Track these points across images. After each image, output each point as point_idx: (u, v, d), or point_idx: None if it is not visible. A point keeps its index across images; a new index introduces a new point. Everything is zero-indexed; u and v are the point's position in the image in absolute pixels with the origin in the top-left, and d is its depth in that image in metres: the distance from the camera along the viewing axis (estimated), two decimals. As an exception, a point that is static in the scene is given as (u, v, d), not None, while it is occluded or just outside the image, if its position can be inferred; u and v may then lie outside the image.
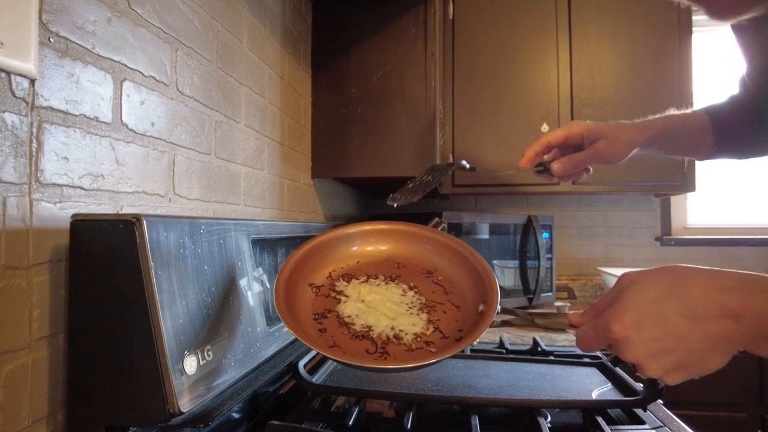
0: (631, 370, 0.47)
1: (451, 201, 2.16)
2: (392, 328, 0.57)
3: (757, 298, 0.40)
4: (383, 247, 0.69)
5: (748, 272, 0.43)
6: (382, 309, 0.59)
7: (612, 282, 1.78)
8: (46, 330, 0.47)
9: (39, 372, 0.47)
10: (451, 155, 1.76)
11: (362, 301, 0.60)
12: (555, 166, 0.67)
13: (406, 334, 0.57)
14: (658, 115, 0.76)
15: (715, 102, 0.81)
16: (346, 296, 0.61)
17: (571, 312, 0.51)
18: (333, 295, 0.61)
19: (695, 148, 0.80)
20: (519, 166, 0.69)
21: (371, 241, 0.69)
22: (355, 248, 0.68)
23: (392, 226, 0.70)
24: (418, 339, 0.57)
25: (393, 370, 0.51)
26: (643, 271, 0.46)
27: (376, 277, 0.65)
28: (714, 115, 0.77)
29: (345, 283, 0.63)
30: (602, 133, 0.69)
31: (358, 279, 0.64)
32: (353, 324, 0.57)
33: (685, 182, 1.75)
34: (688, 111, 0.79)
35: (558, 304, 1.52)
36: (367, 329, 0.56)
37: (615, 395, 0.70)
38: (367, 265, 0.67)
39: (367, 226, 0.70)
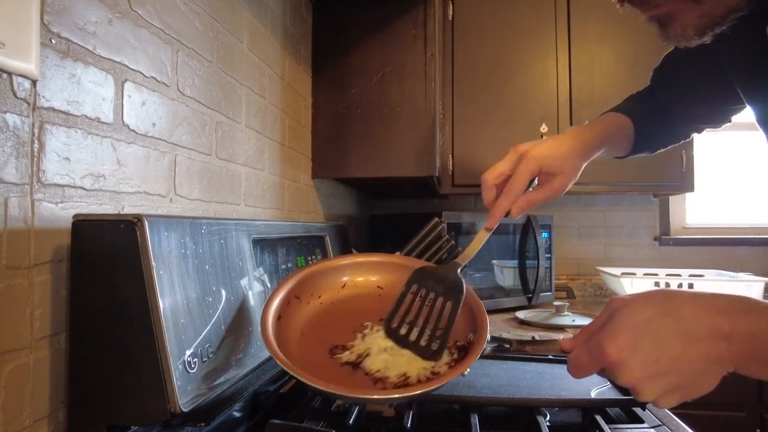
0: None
1: (450, 201, 2.16)
2: (425, 368, 0.54)
3: (746, 318, 0.41)
4: (373, 278, 0.68)
5: (735, 294, 0.43)
6: (408, 353, 0.56)
7: (611, 282, 1.78)
8: (47, 330, 0.48)
9: (40, 371, 0.47)
10: (450, 157, 1.77)
11: (385, 350, 0.57)
12: (514, 211, 0.65)
13: (441, 366, 0.54)
14: (598, 123, 0.76)
15: (626, 102, 0.83)
16: (368, 350, 0.57)
17: (562, 338, 0.51)
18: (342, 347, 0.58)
19: (617, 151, 0.82)
20: (489, 227, 0.64)
21: (361, 272, 0.69)
22: (345, 278, 0.68)
23: (383, 258, 0.69)
24: (451, 366, 0.55)
25: (377, 400, 0.51)
26: (633, 294, 0.46)
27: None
28: (633, 115, 0.79)
29: (359, 338, 0.59)
30: (559, 168, 0.66)
31: (370, 330, 0.60)
32: (388, 377, 0.53)
33: (684, 182, 1.76)
34: (614, 114, 0.79)
35: (557, 303, 1.52)
36: (404, 378, 0.53)
37: (614, 394, 0.70)
38: (348, 298, 0.66)
39: (359, 258, 0.70)
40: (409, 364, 0.55)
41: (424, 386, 0.49)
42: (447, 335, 0.56)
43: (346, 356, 0.56)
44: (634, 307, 0.44)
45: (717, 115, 0.79)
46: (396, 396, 0.50)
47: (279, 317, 0.58)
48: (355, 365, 0.55)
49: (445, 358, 0.56)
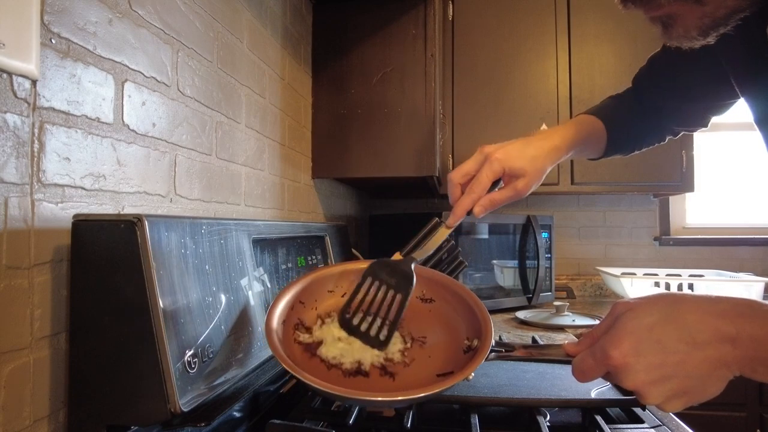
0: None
1: (450, 201, 2.16)
2: (377, 356, 0.58)
3: (750, 322, 0.41)
4: None
5: (738, 297, 0.43)
6: (360, 342, 0.59)
7: (611, 282, 1.78)
8: (47, 330, 0.48)
9: (40, 371, 0.47)
10: (450, 157, 1.77)
11: (339, 339, 0.59)
12: (477, 210, 0.66)
13: (394, 353, 0.58)
14: (570, 126, 0.76)
15: (602, 104, 0.85)
16: (320, 340, 0.60)
17: (567, 342, 0.51)
18: (304, 338, 0.60)
19: (590, 154, 0.83)
20: (450, 225, 0.66)
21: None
22: (349, 284, 0.68)
23: None
24: (405, 353, 0.59)
25: (381, 403, 0.51)
26: (637, 298, 0.47)
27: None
28: (606, 119, 0.80)
29: (318, 324, 0.62)
30: (522, 170, 0.67)
31: (328, 319, 0.63)
32: (342, 364, 0.56)
33: (684, 182, 1.76)
34: (588, 117, 0.80)
35: (557, 303, 1.52)
36: (357, 365, 0.57)
37: (614, 394, 0.70)
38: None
39: (362, 264, 0.69)
40: (362, 351, 0.58)
41: (428, 389, 0.50)
42: (394, 326, 0.58)
43: (305, 338, 0.59)
44: (638, 311, 0.45)
45: (700, 115, 0.81)
46: (400, 398, 0.50)
47: (283, 322, 0.58)
48: (312, 353, 0.57)
49: (399, 345, 0.59)
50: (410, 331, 0.62)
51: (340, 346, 0.58)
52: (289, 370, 0.49)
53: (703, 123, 0.82)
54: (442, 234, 0.66)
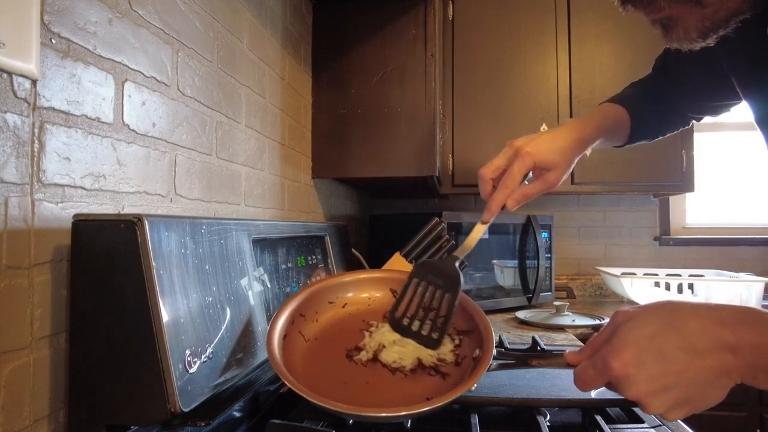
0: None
1: (450, 201, 2.16)
2: (431, 355, 0.59)
3: (750, 330, 0.41)
4: (378, 294, 0.70)
5: (739, 305, 0.43)
6: (413, 342, 0.61)
7: (611, 282, 1.78)
8: (47, 329, 0.48)
9: (40, 371, 0.47)
10: (450, 157, 1.77)
11: (394, 342, 0.61)
12: (510, 204, 0.67)
13: (446, 354, 0.60)
14: (595, 116, 0.76)
15: (625, 91, 0.85)
16: (381, 344, 0.61)
17: (567, 351, 0.51)
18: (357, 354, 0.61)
19: (615, 142, 0.83)
20: (486, 221, 0.67)
21: (364, 288, 0.70)
22: (350, 294, 0.69)
23: (386, 274, 0.71)
24: (456, 353, 0.60)
25: (385, 418, 0.51)
26: (637, 307, 0.47)
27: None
28: (630, 105, 0.80)
29: (368, 336, 0.63)
30: (553, 163, 0.68)
31: (375, 328, 0.64)
32: (404, 366, 0.58)
33: (684, 182, 1.76)
34: (612, 105, 0.80)
35: (557, 303, 1.52)
36: (419, 362, 0.58)
37: (614, 394, 0.70)
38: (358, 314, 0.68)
39: (363, 275, 0.71)
40: (419, 350, 0.60)
41: (430, 403, 0.50)
42: (446, 325, 0.60)
43: (364, 355, 0.60)
44: (639, 320, 0.45)
45: (715, 107, 0.81)
46: (403, 413, 0.50)
47: (285, 336, 0.59)
48: (375, 359, 0.59)
49: (449, 345, 0.61)
50: (455, 326, 0.63)
51: (396, 349, 0.60)
52: (291, 386, 0.50)
53: (722, 111, 0.82)
54: (478, 230, 0.67)
